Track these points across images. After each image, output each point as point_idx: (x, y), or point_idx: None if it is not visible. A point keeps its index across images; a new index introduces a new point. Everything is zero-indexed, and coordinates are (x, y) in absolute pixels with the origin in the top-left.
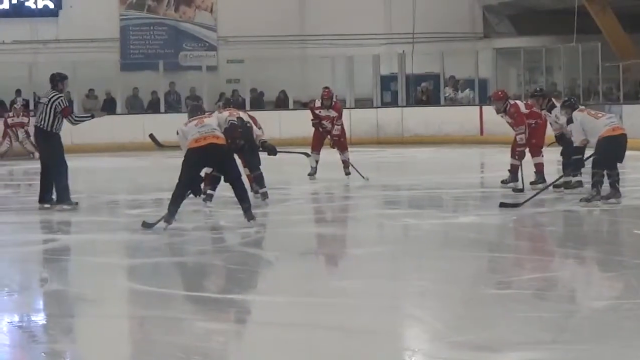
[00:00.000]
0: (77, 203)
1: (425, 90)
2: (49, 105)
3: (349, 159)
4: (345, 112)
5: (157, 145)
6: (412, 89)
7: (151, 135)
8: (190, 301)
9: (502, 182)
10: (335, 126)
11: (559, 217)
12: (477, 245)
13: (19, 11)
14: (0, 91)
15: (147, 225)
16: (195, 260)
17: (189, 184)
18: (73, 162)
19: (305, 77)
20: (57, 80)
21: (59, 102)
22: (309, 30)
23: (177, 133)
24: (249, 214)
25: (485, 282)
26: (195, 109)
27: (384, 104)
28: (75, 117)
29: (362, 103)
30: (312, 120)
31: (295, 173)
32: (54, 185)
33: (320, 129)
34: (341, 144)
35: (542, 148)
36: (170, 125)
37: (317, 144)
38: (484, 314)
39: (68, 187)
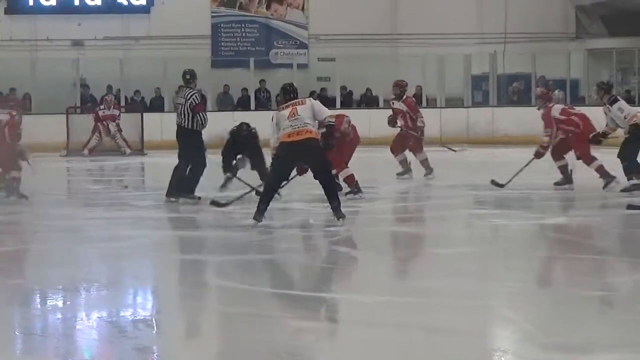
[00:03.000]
0: (199, 198)
1: (516, 91)
2: (185, 105)
3: (426, 158)
4: (435, 111)
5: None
6: (503, 89)
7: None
8: (279, 299)
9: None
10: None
11: None
12: (566, 246)
13: (111, 7)
14: (92, 87)
15: (216, 204)
16: (283, 258)
17: (281, 179)
18: (164, 159)
19: (396, 76)
20: (189, 78)
21: (193, 99)
22: (400, 29)
23: (272, 119)
24: (338, 213)
25: (575, 283)
26: (287, 92)
27: (475, 104)
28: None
29: (453, 103)
30: (388, 117)
31: (384, 172)
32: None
33: (394, 126)
34: (414, 144)
35: (590, 154)
36: (260, 123)
37: (397, 147)
38: (574, 315)
39: (197, 183)
